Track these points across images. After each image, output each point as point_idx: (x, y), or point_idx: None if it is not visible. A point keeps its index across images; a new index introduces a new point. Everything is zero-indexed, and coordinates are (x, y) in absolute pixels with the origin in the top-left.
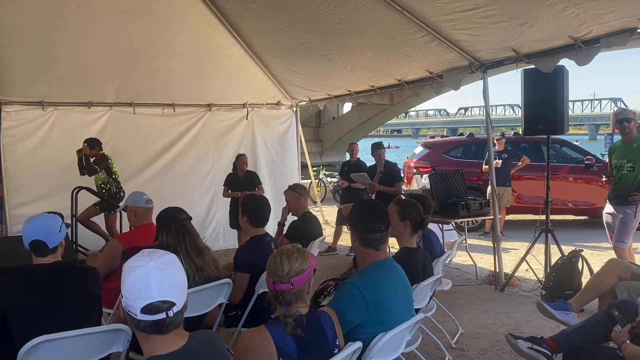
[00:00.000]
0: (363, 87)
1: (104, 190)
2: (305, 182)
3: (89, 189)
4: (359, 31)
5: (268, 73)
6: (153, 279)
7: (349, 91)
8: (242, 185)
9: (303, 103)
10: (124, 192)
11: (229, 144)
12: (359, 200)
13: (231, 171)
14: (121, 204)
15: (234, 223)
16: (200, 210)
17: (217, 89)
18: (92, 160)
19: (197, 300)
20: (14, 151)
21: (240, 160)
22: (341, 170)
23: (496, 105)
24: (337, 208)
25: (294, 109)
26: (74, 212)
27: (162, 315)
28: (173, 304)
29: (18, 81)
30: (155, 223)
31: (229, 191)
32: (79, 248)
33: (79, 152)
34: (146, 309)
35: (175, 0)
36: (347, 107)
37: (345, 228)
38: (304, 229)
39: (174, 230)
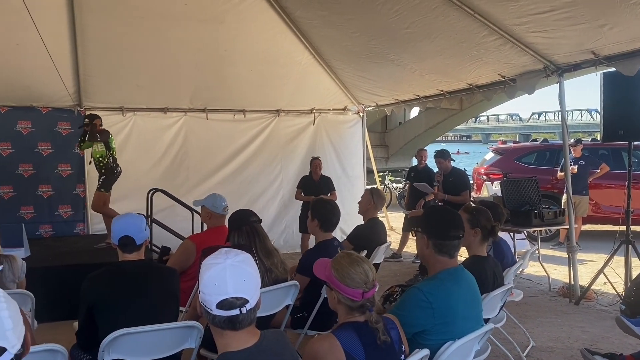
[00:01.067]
0: (432, 91)
1: (101, 164)
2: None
3: (164, 192)
4: (429, 35)
5: (335, 79)
6: (229, 276)
7: (417, 96)
8: (316, 189)
9: (370, 108)
10: (120, 168)
11: (296, 149)
12: (432, 206)
13: (305, 174)
14: (196, 201)
15: (303, 227)
16: (269, 213)
17: (286, 94)
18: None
19: (265, 301)
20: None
21: (313, 163)
22: (408, 176)
23: (572, 110)
24: (404, 214)
25: (361, 114)
26: (149, 213)
27: (236, 312)
28: (247, 301)
29: (100, 88)
30: (224, 225)
31: (302, 194)
32: (153, 247)
33: (87, 125)
34: (221, 305)
35: (247, 8)
36: (414, 112)
37: (411, 235)
38: (368, 235)
39: (244, 232)
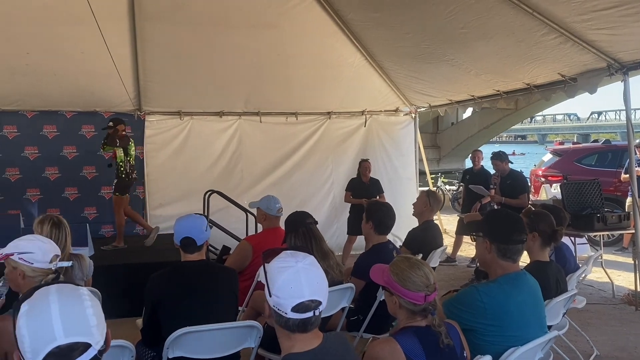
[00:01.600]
0: (487, 91)
1: (122, 169)
2: (423, 189)
3: (220, 193)
4: (485, 35)
5: (387, 80)
6: (303, 279)
7: (472, 96)
8: (365, 191)
9: (422, 109)
10: (135, 175)
11: (347, 151)
12: (495, 210)
13: (354, 176)
14: (250, 202)
15: (352, 229)
16: (320, 215)
17: (337, 97)
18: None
19: None
20: (155, 157)
21: (362, 165)
22: (463, 178)
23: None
24: (458, 217)
25: (413, 115)
26: (205, 214)
27: (310, 314)
28: (320, 303)
29: (160, 93)
30: (281, 226)
31: (351, 197)
32: (210, 248)
33: (110, 128)
34: (297, 308)
35: (301, 13)
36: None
37: (466, 238)
38: (424, 238)
39: (301, 234)
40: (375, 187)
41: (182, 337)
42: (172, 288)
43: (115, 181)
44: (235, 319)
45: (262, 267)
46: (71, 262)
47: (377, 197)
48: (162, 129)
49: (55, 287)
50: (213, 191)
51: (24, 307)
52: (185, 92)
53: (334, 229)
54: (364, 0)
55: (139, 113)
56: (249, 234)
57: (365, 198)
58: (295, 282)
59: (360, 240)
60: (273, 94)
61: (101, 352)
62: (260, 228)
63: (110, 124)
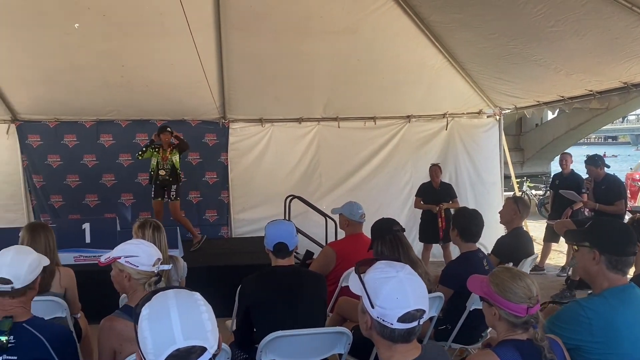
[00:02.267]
0: (579, 91)
1: (178, 173)
2: (508, 194)
3: (300, 198)
4: (577, 33)
5: (470, 81)
6: (408, 289)
7: (562, 97)
8: (436, 196)
9: (507, 111)
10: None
11: (427, 155)
12: (603, 218)
13: (424, 182)
14: (334, 209)
15: (423, 236)
16: (399, 220)
17: (417, 100)
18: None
19: None
20: (238, 163)
21: (431, 170)
22: (552, 183)
23: None
24: (546, 224)
25: (497, 117)
26: (287, 218)
27: (415, 324)
28: (424, 312)
29: (242, 101)
30: (364, 233)
31: (422, 202)
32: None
33: (165, 135)
34: (403, 318)
35: (381, 17)
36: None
37: (554, 246)
38: (514, 246)
39: (388, 241)
40: (446, 192)
41: (274, 340)
42: (265, 292)
43: (175, 187)
44: (324, 324)
45: (355, 277)
46: (171, 265)
47: (450, 202)
48: (244, 136)
49: (172, 292)
50: (294, 196)
51: (145, 310)
52: (266, 99)
53: (413, 235)
54: (447, 2)
55: (223, 121)
56: (329, 239)
57: (436, 204)
58: (400, 292)
59: (437, 248)
60: (351, 99)
61: (215, 355)
62: (340, 234)
63: (169, 129)
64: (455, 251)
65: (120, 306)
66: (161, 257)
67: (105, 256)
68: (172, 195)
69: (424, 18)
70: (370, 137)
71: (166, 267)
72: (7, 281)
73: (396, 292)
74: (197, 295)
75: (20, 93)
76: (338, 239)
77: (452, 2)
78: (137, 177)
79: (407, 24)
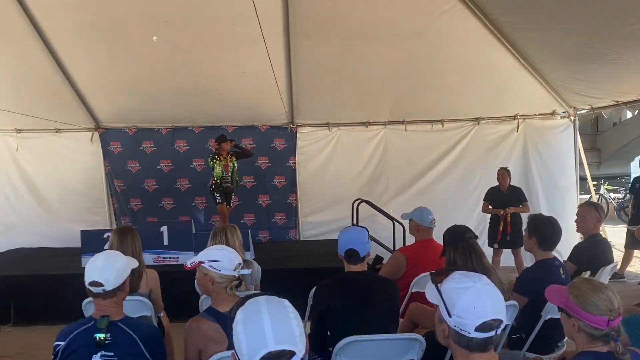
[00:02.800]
0: None
1: (237, 179)
2: (584, 197)
3: (369, 202)
4: None
5: (543, 82)
6: (486, 299)
7: None
8: (505, 200)
9: (583, 111)
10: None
11: (497, 158)
12: None
13: (492, 185)
14: (404, 214)
15: (492, 241)
16: (468, 225)
17: (486, 102)
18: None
19: None
20: (306, 167)
21: (500, 173)
22: (632, 187)
23: None
24: (626, 229)
25: (572, 118)
26: (354, 222)
27: (492, 333)
28: (501, 322)
29: (310, 106)
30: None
31: (490, 206)
32: None
33: (226, 144)
34: (481, 327)
35: (449, 19)
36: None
37: (637, 253)
38: (593, 253)
39: (460, 248)
40: (515, 195)
41: (349, 345)
42: (339, 298)
43: (233, 193)
44: (396, 330)
45: (432, 286)
46: (250, 270)
47: (520, 207)
48: (312, 140)
49: (264, 298)
50: (362, 200)
51: (239, 315)
52: (333, 104)
53: (482, 240)
54: (519, 2)
55: (291, 125)
56: (397, 243)
57: (504, 208)
58: (478, 302)
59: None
60: (418, 102)
61: (302, 359)
62: (409, 238)
63: (234, 141)
64: (526, 256)
65: (200, 306)
66: (242, 262)
67: (190, 261)
68: (232, 202)
69: (493, 19)
70: (438, 140)
71: (246, 271)
72: (99, 284)
73: (473, 302)
74: (286, 302)
75: (102, 102)
76: (407, 243)
77: (523, 3)
78: (210, 181)
79: (475, 26)
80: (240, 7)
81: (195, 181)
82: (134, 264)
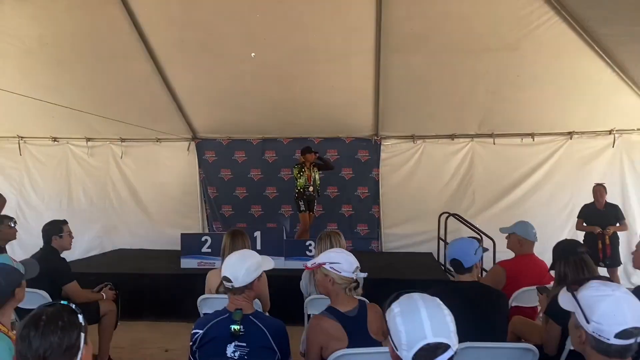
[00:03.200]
0: None
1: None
2: None
3: (458, 216)
4: None
5: None
6: (626, 307)
7: None
8: (600, 218)
9: None
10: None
11: (591, 174)
12: None
13: (587, 202)
14: (503, 229)
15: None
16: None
17: (580, 115)
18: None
19: None
20: (390, 179)
21: (595, 190)
22: None
23: None
24: None
25: None
26: (440, 236)
27: (632, 341)
28: None
29: (395, 119)
30: (533, 253)
31: (584, 224)
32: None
33: (310, 155)
34: (620, 335)
35: (545, 32)
36: None
37: None
38: None
39: (572, 262)
40: (612, 213)
41: (462, 352)
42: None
43: (316, 202)
44: (504, 339)
45: (567, 294)
46: (367, 273)
47: (617, 225)
48: (396, 152)
49: (417, 294)
50: (450, 214)
51: (396, 308)
52: (419, 116)
53: None
54: (618, 14)
55: (375, 138)
56: (485, 258)
57: (600, 226)
58: (617, 309)
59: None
60: (509, 115)
61: (452, 357)
62: (500, 253)
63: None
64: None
65: (305, 309)
66: (359, 265)
67: (311, 262)
68: (315, 209)
69: (591, 32)
70: (528, 154)
71: (363, 274)
72: (228, 279)
73: (613, 310)
74: (438, 299)
75: (200, 114)
76: (497, 259)
77: (624, 15)
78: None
79: (572, 38)
80: (334, 24)
81: (282, 190)
82: (269, 264)
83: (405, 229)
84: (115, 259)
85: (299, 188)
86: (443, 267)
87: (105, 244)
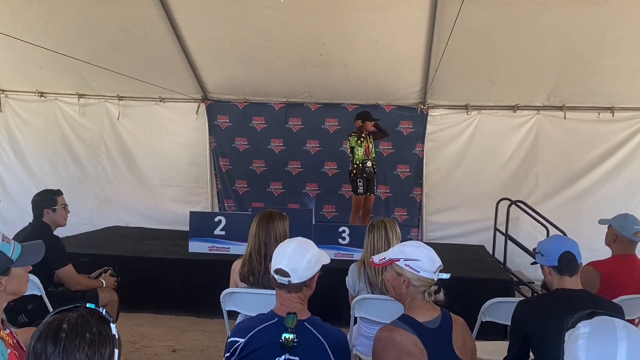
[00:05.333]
0: None
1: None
2: None
3: (522, 203)
4: None
5: None
6: None
7: None
8: None
9: None
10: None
11: None
12: None
13: None
14: (602, 220)
15: None
16: None
17: None
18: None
19: None
20: (436, 157)
21: None
22: None
23: None
24: None
25: None
26: (497, 226)
27: None
28: None
29: (448, 84)
30: (635, 254)
31: None
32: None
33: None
34: None
35: None
36: None
37: None
38: None
39: None
40: None
41: None
42: (550, 318)
43: (376, 179)
44: None
45: None
46: (449, 274)
47: None
48: (445, 125)
49: (621, 322)
50: (511, 201)
51: (585, 328)
52: (477, 82)
53: None
54: None
55: (422, 107)
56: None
57: None
58: None
59: None
60: (585, 85)
61: None
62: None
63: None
64: None
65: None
66: (441, 264)
67: (380, 257)
68: (375, 189)
69: None
70: (606, 132)
71: (445, 275)
72: (285, 273)
73: None
74: None
75: (213, 70)
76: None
77: None
78: (324, 166)
79: None
80: None
81: (308, 165)
82: (326, 259)
83: (452, 217)
84: (111, 238)
85: (357, 162)
86: (502, 265)
87: (96, 220)
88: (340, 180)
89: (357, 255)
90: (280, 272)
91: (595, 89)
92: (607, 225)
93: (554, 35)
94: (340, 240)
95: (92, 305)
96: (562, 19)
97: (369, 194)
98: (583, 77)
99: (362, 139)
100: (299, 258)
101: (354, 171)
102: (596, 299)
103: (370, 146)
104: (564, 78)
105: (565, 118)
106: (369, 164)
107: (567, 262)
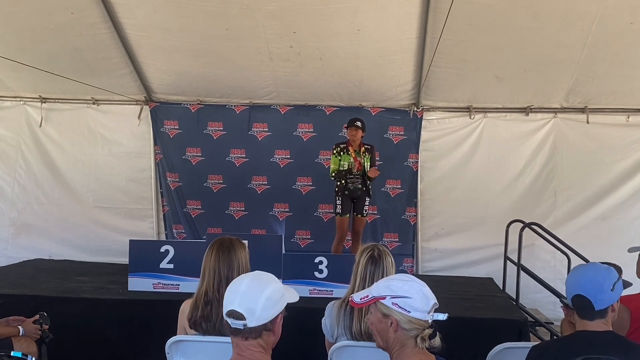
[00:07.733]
0: None
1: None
2: None
3: (538, 226)
4: None
5: None
6: None
7: None
8: None
9: None
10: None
11: None
12: None
13: None
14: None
15: None
16: None
17: None
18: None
19: None
20: (433, 169)
21: None
22: None
23: None
24: None
25: None
26: (507, 254)
27: None
28: None
29: (446, 81)
30: None
31: None
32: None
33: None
34: None
35: None
36: None
37: None
38: None
39: None
40: None
41: None
42: None
43: (368, 200)
44: None
45: None
46: (446, 314)
47: None
48: (444, 131)
49: None
50: (525, 224)
51: None
52: (481, 79)
53: None
54: None
55: (415, 109)
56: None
57: None
58: None
59: None
60: (612, 82)
61: None
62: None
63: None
64: None
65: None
66: (437, 302)
67: (361, 294)
68: (365, 211)
69: None
70: (637, 138)
71: (442, 316)
72: (239, 315)
73: None
74: None
75: (158, 65)
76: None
77: None
78: (296, 181)
79: None
80: None
81: (276, 181)
82: (293, 296)
83: (453, 243)
84: (31, 274)
85: (332, 174)
86: (514, 302)
87: (12, 251)
88: (316, 199)
89: (338, 291)
90: (233, 314)
91: (622, 86)
92: (638, 254)
93: (573, 22)
94: (316, 274)
95: (19, 354)
96: (582, 3)
97: (356, 214)
98: (608, 72)
99: (346, 152)
100: (254, 295)
101: (336, 188)
102: (623, 343)
103: (363, 160)
104: (586, 73)
105: (588, 122)
106: (353, 180)
107: (579, 308)
